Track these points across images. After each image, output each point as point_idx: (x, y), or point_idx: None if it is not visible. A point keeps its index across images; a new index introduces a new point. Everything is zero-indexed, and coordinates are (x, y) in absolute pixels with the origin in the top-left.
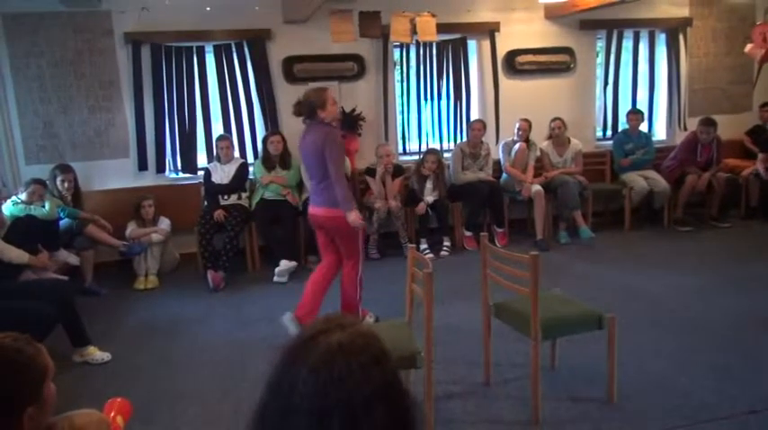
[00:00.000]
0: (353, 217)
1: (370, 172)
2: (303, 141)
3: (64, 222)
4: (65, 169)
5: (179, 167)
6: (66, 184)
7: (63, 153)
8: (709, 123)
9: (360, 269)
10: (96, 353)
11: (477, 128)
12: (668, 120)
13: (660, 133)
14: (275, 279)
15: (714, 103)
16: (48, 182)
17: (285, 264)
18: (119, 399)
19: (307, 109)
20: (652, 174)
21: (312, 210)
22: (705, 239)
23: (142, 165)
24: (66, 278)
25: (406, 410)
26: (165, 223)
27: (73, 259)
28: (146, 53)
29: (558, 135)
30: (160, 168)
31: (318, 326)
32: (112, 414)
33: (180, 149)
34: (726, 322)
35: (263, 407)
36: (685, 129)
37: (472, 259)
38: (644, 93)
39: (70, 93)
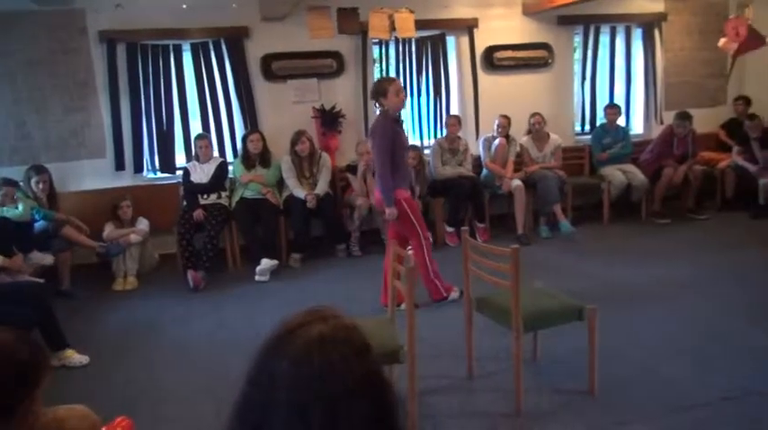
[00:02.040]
0: (389, 213)
1: (351, 169)
2: (371, 128)
3: (39, 224)
4: (39, 170)
5: (157, 167)
6: (40, 185)
7: (37, 154)
8: (684, 117)
9: (424, 246)
10: (74, 356)
11: (452, 123)
12: (645, 114)
13: (637, 127)
14: (257, 278)
15: (689, 97)
16: (22, 183)
17: (266, 263)
18: (123, 421)
19: (374, 94)
20: (630, 167)
21: (375, 193)
22: (683, 231)
23: (119, 165)
24: (41, 281)
25: (388, 404)
26: (143, 224)
27: (48, 259)
28: (121, 52)
29: (537, 130)
30: (138, 168)
31: (300, 318)
32: None
33: (158, 149)
34: (704, 312)
35: (243, 401)
36: (662, 122)
37: (454, 254)
38: (621, 87)
39: (44, 93)
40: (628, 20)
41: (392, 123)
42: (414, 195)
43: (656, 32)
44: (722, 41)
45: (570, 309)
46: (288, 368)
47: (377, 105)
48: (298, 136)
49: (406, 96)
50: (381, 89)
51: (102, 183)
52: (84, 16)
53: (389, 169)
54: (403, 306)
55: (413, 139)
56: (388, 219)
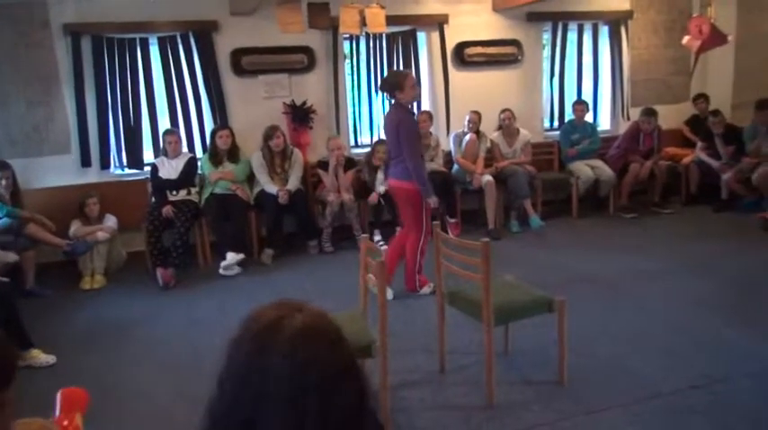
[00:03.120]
0: (433, 202)
1: (323, 165)
2: (385, 119)
3: (2, 222)
4: (2, 166)
5: (124, 163)
6: (3, 182)
7: None
8: (650, 113)
9: (421, 241)
10: (40, 357)
11: (423, 119)
12: (612, 110)
13: (605, 123)
14: (221, 272)
15: (655, 94)
16: None
17: (231, 257)
18: (70, 390)
19: (387, 87)
20: (597, 163)
21: (389, 181)
22: (649, 225)
23: (85, 161)
24: (6, 280)
25: (368, 387)
26: (111, 221)
27: (11, 257)
28: (86, 45)
29: (507, 126)
30: (104, 164)
31: (276, 311)
32: (66, 423)
33: (125, 144)
34: (671, 303)
35: (231, 401)
36: (628, 119)
37: (426, 249)
38: (589, 84)
39: (5, 87)
40: (595, 17)
41: (411, 115)
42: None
43: (623, 30)
44: (686, 39)
45: (540, 302)
46: (279, 361)
47: (389, 98)
48: (272, 131)
49: (420, 88)
50: (397, 83)
51: (68, 179)
52: (47, 9)
53: (420, 159)
54: (425, 289)
55: (383, 135)
56: (435, 206)
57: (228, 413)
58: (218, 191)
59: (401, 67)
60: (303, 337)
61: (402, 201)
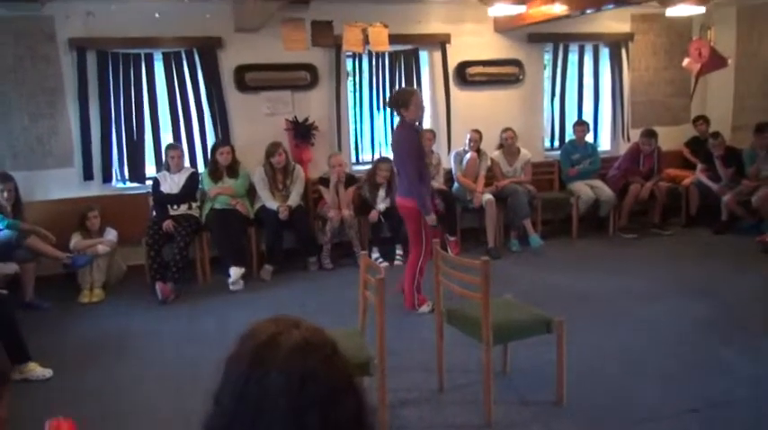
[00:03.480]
0: (431, 220)
1: (324, 181)
2: (392, 135)
3: (4, 234)
4: (5, 178)
5: (126, 177)
6: (5, 194)
7: (2, 162)
8: (650, 134)
9: (420, 260)
10: (37, 370)
11: (427, 137)
12: (612, 131)
13: (605, 144)
14: (231, 288)
15: (655, 115)
16: None
17: (235, 273)
18: (61, 422)
19: (394, 103)
20: (598, 183)
21: (396, 197)
22: (648, 246)
23: (87, 175)
24: (5, 292)
25: (366, 402)
26: (111, 234)
27: (10, 268)
28: (91, 60)
29: (509, 145)
30: (106, 178)
31: (273, 327)
32: None
33: (127, 158)
34: (670, 325)
35: (228, 418)
36: (628, 140)
37: (426, 267)
38: (589, 104)
39: (10, 100)
40: (596, 39)
41: (415, 133)
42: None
43: (623, 52)
44: (686, 62)
45: (539, 322)
46: (277, 377)
47: (396, 114)
48: (274, 147)
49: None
50: (403, 100)
51: (70, 192)
52: (53, 23)
53: (419, 178)
54: (424, 308)
55: (385, 152)
56: (432, 223)
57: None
58: (217, 206)
59: (403, 86)
60: (300, 352)
61: (405, 218)
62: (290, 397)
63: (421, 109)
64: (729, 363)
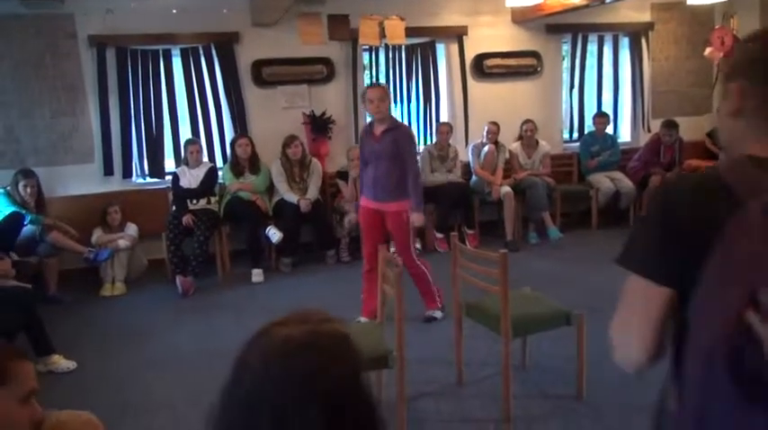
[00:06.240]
0: (419, 219)
1: (342, 175)
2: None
3: (27, 229)
4: (27, 174)
5: (146, 172)
6: (28, 190)
7: (24, 158)
8: (671, 125)
9: (422, 263)
10: (61, 362)
11: (444, 130)
12: (632, 122)
13: (625, 135)
14: (254, 279)
15: (676, 106)
16: (9, 188)
17: (257, 274)
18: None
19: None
20: (618, 175)
21: (371, 205)
22: None
23: (108, 170)
24: (28, 286)
25: (372, 393)
26: (132, 229)
27: (32, 260)
28: (111, 56)
29: (529, 137)
30: (127, 173)
31: (281, 323)
32: None
33: (147, 154)
34: None
35: (234, 415)
36: (649, 130)
37: (443, 260)
38: (609, 95)
39: (32, 96)
40: (615, 29)
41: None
42: None
43: (643, 41)
44: (708, 51)
45: (558, 315)
46: (280, 374)
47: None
48: (290, 139)
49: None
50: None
51: (91, 188)
52: (74, 20)
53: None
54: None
55: None
56: (418, 225)
57: (233, 427)
58: (239, 195)
59: (420, 79)
60: (305, 349)
61: (392, 229)
62: (295, 395)
63: (367, 102)
64: None
